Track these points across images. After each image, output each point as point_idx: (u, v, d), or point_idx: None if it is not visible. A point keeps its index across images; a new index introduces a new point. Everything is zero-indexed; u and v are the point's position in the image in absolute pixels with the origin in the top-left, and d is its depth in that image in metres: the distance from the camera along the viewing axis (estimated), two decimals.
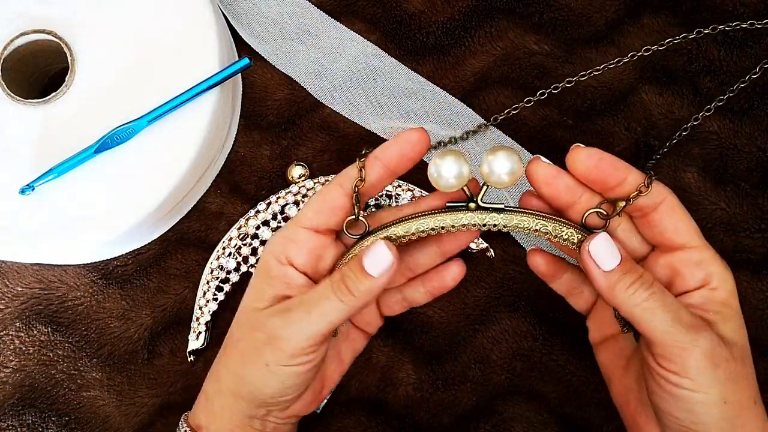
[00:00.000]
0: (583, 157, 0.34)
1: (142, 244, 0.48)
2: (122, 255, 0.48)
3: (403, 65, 0.50)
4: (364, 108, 0.49)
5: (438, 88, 0.50)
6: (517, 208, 0.34)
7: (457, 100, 0.49)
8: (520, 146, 0.49)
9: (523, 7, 0.51)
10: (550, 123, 0.49)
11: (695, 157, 0.49)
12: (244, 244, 0.47)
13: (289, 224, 0.37)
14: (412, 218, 0.35)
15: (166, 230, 0.49)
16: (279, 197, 0.47)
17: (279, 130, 0.50)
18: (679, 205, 0.34)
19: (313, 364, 0.36)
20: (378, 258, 0.34)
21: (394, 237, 0.35)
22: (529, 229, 0.34)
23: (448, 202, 0.35)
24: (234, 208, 0.49)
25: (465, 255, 0.48)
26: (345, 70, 0.50)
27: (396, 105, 0.49)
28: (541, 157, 0.35)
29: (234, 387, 0.37)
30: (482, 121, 0.49)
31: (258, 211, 0.47)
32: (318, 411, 0.46)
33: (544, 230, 0.34)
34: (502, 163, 0.33)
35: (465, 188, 0.34)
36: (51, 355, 0.48)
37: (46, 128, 0.44)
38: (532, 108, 0.49)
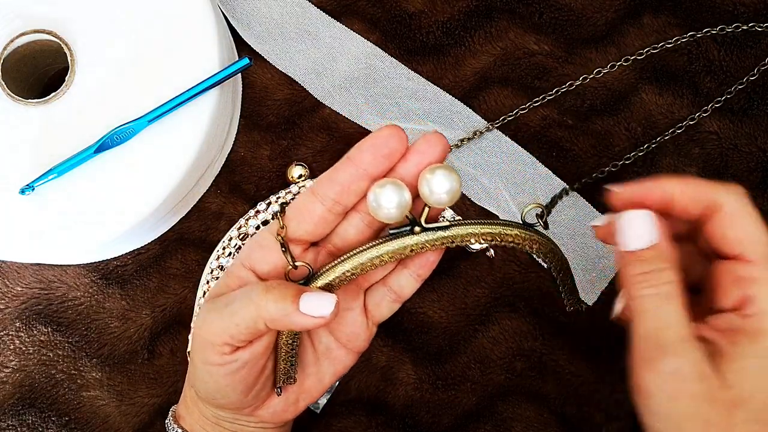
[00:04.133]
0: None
1: (142, 244, 0.48)
2: (122, 255, 0.48)
3: (403, 65, 0.50)
4: (364, 108, 0.49)
5: (438, 88, 0.50)
6: (461, 221, 0.33)
7: (457, 100, 0.49)
8: (520, 147, 0.49)
9: (523, 7, 0.51)
10: (550, 123, 0.49)
11: (695, 157, 0.49)
12: (244, 244, 0.47)
13: (261, 230, 0.35)
14: (359, 252, 0.33)
15: (166, 230, 0.49)
16: (279, 197, 0.47)
17: (279, 130, 0.50)
18: (742, 211, 0.30)
19: (230, 368, 0.34)
20: (318, 306, 0.32)
21: (344, 275, 0.33)
22: (477, 235, 0.33)
23: (391, 229, 0.33)
24: (234, 208, 0.49)
25: (465, 255, 0.48)
26: (345, 70, 0.50)
27: (396, 105, 0.49)
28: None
29: (191, 381, 0.37)
30: (482, 121, 0.49)
31: (258, 211, 0.47)
32: (318, 411, 0.46)
33: (489, 235, 0.33)
34: (441, 183, 0.31)
35: (408, 215, 0.32)
36: (51, 355, 0.48)
37: (46, 128, 0.44)
38: (532, 108, 0.49)
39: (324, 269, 0.34)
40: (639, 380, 0.29)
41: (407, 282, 0.37)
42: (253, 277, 0.34)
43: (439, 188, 0.31)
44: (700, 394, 0.28)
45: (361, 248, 0.33)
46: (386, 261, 0.33)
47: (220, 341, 0.33)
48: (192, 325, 0.47)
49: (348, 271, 0.33)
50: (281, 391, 0.37)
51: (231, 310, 0.32)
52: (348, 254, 0.33)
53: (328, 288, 0.34)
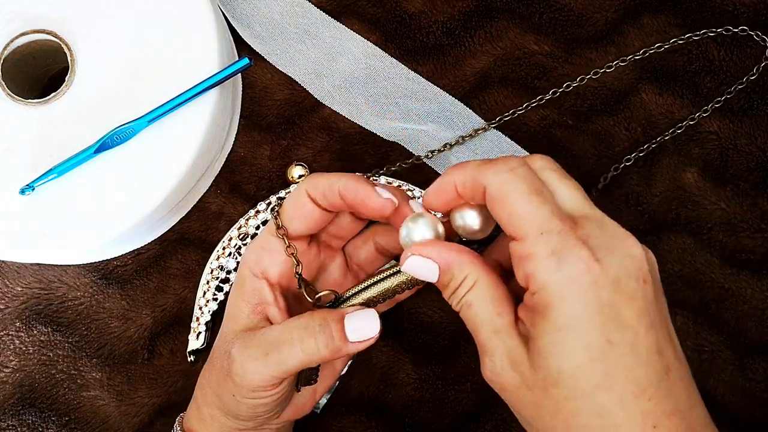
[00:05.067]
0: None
1: (142, 244, 0.48)
2: (122, 255, 0.48)
3: (403, 65, 0.50)
4: (364, 108, 0.49)
5: (438, 88, 0.50)
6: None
7: (457, 100, 0.49)
8: (520, 147, 0.49)
9: (523, 7, 0.51)
10: (549, 123, 0.49)
11: (695, 157, 0.49)
12: (244, 244, 0.47)
13: (262, 233, 0.36)
14: (384, 278, 0.34)
15: (166, 230, 0.49)
16: (279, 197, 0.47)
17: (279, 130, 0.50)
18: (505, 189, 0.29)
19: (277, 397, 0.35)
20: (364, 328, 0.33)
21: (369, 299, 0.35)
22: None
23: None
24: (234, 208, 0.49)
25: None
26: (345, 70, 0.50)
27: (396, 105, 0.49)
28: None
29: (218, 404, 0.37)
30: (482, 121, 0.49)
31: (258, 211, 0.47)
32: (318, 411, 0.46)
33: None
34: (422, 231, 0.33)
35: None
36: (51, 355, 0.48)
37: (46, 128, 0.44)
38: (532, 108, 0.49)
39: (349, 293, 0.35)
40: (483, 377, 0.31)
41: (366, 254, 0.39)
42: (266, 288, 0.35)
43: (418, 236, 0.33)
44: (519, 382, 0.29)
45: (383, 274, 0.35)
46: (411, 286, 0.34)
47: (269, 384, 0.34)
48: (193, 326, 0.47)
49: (372, 297, 0.35)
50: (300, 389, 0.38)
51: (279, 359, 0.33)
52: (371, 279, 0.35)
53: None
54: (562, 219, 0.28)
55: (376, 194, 0.34)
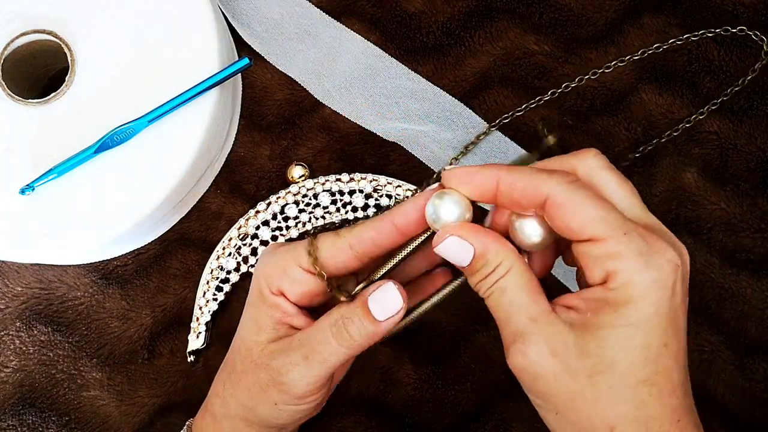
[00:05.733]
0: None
1: (142, 244, 0.48)
2: (122, 255, 0.48)
3: (403, 65, 0.50)
4: (364, 108, 0.49)
5: (438, 88, 0.50)
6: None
7: (457, 100, 0.49)
8: (521, 148, 0.49)
9: (523, 7, 0.51)
10: (549, 123, 0.49)
11: (695, 157, 0.49)
12: (244, 244, 0.47)
13: (284, 254, 0.35)
14: (398, 251, 0.34)
15: (166, 230, 0.49)
16: (279, 197, 0.47)
17: (279, 130, 0.50)
18: (571, 198, 0.29)
19: (321, 401, 0.36)
20: (387, 303, 0.33)
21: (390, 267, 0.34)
22: None
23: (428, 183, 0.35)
24: (234, 208, 0.49)
25: None
26: (345, 70, 0.50)
27: (396, 105, 0.49)
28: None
29: (244, 415, 0.36)
30: (482, 121, 0.49)
31: (258, 211, 0.47)
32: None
33: None
34: (450, 210, 0.32)
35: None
36: (51, 355, 0.48)
37: (46, 128, 0.44)
38: (532, 108, 0.49)
39: (378, 274, 0.35)
40: (509, 366, 0.31)
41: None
42: (286, 302, 0.35)
43: (447, 216, 0.32)
44: (558, 370, 0.29)
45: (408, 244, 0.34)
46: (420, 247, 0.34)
47: (315, 387, 0.34)
48: (193, 326, 0.47)
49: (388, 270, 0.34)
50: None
51: (320, 359, 0.34)
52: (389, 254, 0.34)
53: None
54: (636, 222, 0.30)
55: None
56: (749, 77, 0.49)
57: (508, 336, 0.31)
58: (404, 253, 0.34)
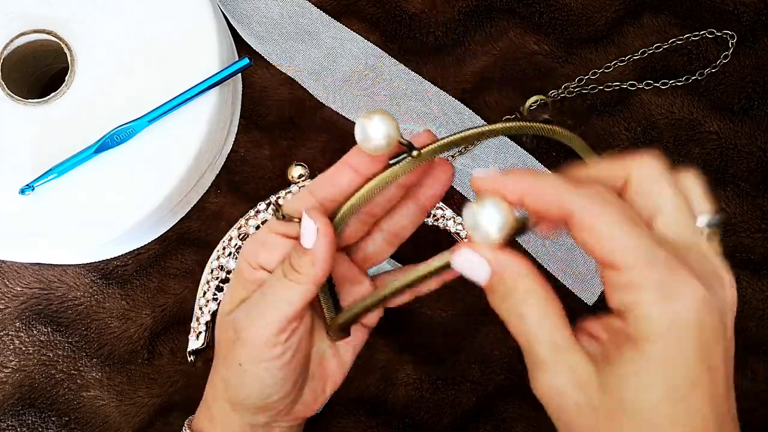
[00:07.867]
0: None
1: (142, 244, 0.48)
2: (122, 255, 0.48)
3: (403, 65, 0.50)
4: (364, 108, 0.49)
5: (438, 88, 0.50)
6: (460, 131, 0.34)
7: (456, 100, 0.49)
8: (519, 147, 0.49)
9: (523, 7, 0.51)
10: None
11: (695, 157, 0.49)
12: (244, 244, 0.47)
13: (262, 228, 0.36)
14: (361, 187, 0.33)
15: (166, 230, 0.49)
16: (279, 197, 0.47)
17: (279, 130, 0.50)
18: (597, 218, 0.27)
19: (286, 358, 0.35)
20: (306, 230, 0.33)
21: (353, 208, 0.34)
22: (484, 134, 0.34)
23: (390, 158, 0.33)
24: (234, 208, 0.49)
25: None
26: (345, 70, 0.50)
27: (396, 105, 0.49)
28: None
29: (225, 394, 0.37)
30: (482, 121, 0.49)
31: (258, 211, 0.47)
32: (318, 411, 0.46)
33: (491, 132, 0.34)
34: (378, 127, 0.31)
35: (402, 140, 0.32)
36: (51, 355, 0.48)
37: (46, 128, 0.44)
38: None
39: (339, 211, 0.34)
40: (533, 390, 0.29)
41: (380, 246, 0.38)
42: (265, 273, 0.35)
43: (376, 134, 0.31)
44: (581, 402, 0.28)
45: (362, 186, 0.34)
46: (392, 178, 0.33)
47: (272, 335, 0.34)
48: (193, 326, 0.47)
49: (355, 203, 0.34)
50: (334, 338, 0.38)
51: (272, 300, 0.34)
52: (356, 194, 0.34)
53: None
54: (666, 249, 0.27)
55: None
56: (728, 58, 0.49)
57: (531, 363, 0.29)
58: (415, 276, 0.32)
